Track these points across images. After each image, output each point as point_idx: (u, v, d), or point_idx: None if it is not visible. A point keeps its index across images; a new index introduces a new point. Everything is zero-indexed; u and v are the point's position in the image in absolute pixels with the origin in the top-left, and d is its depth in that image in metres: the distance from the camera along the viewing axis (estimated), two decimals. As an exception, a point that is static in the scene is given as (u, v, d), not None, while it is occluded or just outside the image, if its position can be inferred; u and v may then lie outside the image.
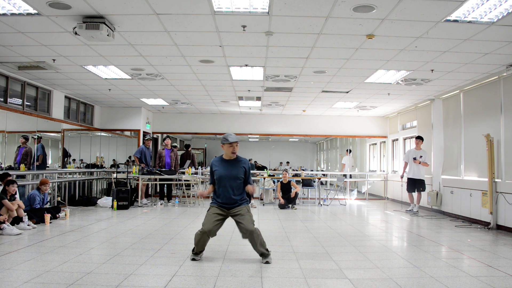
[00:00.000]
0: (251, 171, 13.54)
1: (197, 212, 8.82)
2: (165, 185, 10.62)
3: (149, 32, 5.38)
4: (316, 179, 11.37)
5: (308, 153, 22.61)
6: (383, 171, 13.17)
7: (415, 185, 9.16)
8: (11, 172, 6.87)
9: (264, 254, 4.39)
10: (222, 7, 4.57)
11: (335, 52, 6.14)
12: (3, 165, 8.02)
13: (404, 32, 5.19)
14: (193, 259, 4.44)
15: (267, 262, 4.34)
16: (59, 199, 9.15)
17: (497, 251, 5.28)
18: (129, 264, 4.22)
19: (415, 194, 9.22)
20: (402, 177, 9.52)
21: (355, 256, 4.82)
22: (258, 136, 14.31)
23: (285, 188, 9.98)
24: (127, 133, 12.35)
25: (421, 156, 9.10)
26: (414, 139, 9.72)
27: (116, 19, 4.95)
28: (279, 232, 6.40)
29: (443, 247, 5.57)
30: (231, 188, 4.47)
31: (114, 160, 12.35)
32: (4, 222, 5.78)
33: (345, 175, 12.62)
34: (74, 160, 10.99)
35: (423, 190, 9.11)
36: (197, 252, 4.48)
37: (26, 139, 8.58)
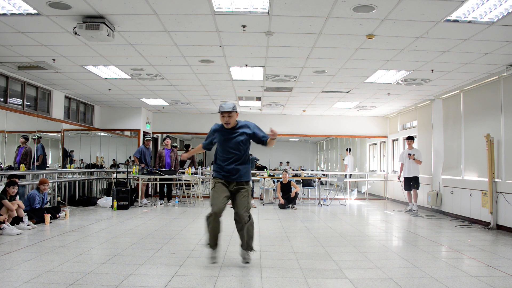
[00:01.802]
0: (251, 171, 13.43)
1: (197, 212, 8.81)
2: (165, 185, 10.63)
3: (149, 32, 5.38)
4: (316, 179, 11.37)
5: (308, 153, 22.60)
6: (383, 171, 13.17)
7: (411, 183, 9.22)
8: (11, 172, 6.87)
9: (251, 248, 4.23)
10: (222, 7, 4.57)
11: (335, 52, 6.14)
12: (3, 165, 8.01)
13: (404, 32, 5.19)
14: (213, 262, 4.18)
15: (246, 262, 4.21)
16: (59, 199, 9.15)
17: (497, 251, 5.29)
18: (129, 264, 4.21)
19: (412, 193, 9.25)
20: (399, 177, 9.59)
21: (355, 256, 4.81)
22: (258, 136, 14.28)
23: (285, 188, 9.98)
24: (127, 133, 12.35)
25: (413, 154, 9.21)
26: (406, 139, 9.82)
27: (116, 19, 4.95)
28: (279, 232, 6.39)
29: (443, 247, 5.56)
30: (232, 157, 4.17)
31: (114, 160, 12.35)
32: (4, 222, 5.78)
33: (345, 175, 12.63)
34: (74, 160, 10.99)
35: (417, 187, 9.16)
36: (212, 245, 4.20)
37: (26, 139, 8.58)
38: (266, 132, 4.31)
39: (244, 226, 4.14)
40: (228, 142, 4.22)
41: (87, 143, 11.71)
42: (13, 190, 6.24)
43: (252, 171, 12.91)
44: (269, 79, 7.98)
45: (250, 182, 4.32)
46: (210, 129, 4.41)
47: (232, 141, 4.21)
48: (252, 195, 10.35)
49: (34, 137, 8.81)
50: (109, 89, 9.28)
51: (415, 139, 9.75)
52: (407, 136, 9.86)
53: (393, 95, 9.33)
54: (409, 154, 9.23)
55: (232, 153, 4.20)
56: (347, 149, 13.69)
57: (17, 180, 6.43)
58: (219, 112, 4.25)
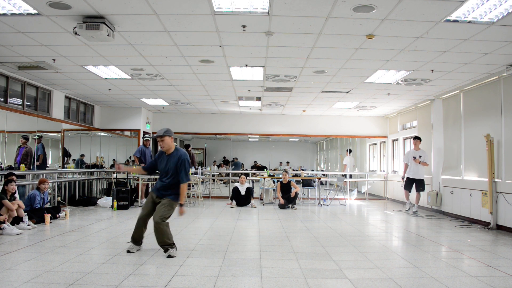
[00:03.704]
0: (249, 171, 13.42)
1: (197, 212, 8.82)
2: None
3: (149, 32, 5.38)
4: (316, 179, 11.37)
5: (308, 153, 22.61)
6: (383, 171, 13.16)
7: (413, 184, 9.16)
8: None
9: (165, 248, 4.61)
10: (222, 7, 4.57)
11: (335, 52, 6.14)
12: (3, 165, 8.02)
13: (404, 32, 5.19)
14: (128, 251, 4.72)
15: (169, 256, 4.54)
16: (59, 199, 9.15)
17: (497, 251, 5.29)
18: (129, 264, 4.22)
19: (412, 194, 9.21)
20: (403, 178, 9.50)
21: (355, 256, 4.82)
22: (258, 136, 14.31)
23: (285, 188, 9.98)
24: (127, 133, 12.36)
25: (420, 156, 9.10)
26: (412, 139, 9.73)
27: (116, 19, 4.95)
28: (279, 232, 6.40)
29: (443, 247, 5.57)
30: (163, 181, 4.72)
31: (114, 160, 12.35)
32: (4, 222, 5.78)
33: (345, 175, 12.62)
34: (74, 160, 10.99)
35: (423, 190, 9.10)
36: (133, 241, 4.80)
37: (27, 139, 8.58)
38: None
39: (157, 225, 4.56)
40: (163, 167, 4.76)
41: (87, 143, 11.72)
42: (12, 187, 6.25)
43: (252, 171, 12.93)
44: (269, 79, 7.98)
45: (172, 201, 4.69)
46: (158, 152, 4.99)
47: (166, 166, 4.73)
48: (252, 195, 10.35)
49: (35, 137, 8.81)
50: (109, 89, 9.28)
51: (421, 139, 9.57)
52: (414, 136, 9.75)
53: (393, 95, 9.33)
54: (414, 158, 9.13)
55: (162, 177, 4.75)
56: (347, 150, 13.70)
57: (14, 177, 6.43)
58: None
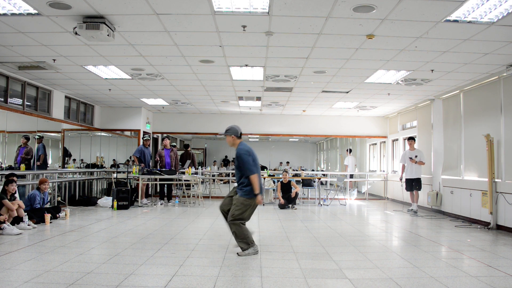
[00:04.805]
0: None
1: (197, 212, 8.81)
2: (165, 185, 10.63)
3: (149, 32, 5.38)
4: (316, 179, 11.37)
5: (308, 153, 22.61)
6: (383, 171, 13.16)
7: (412, 184, 9.19)
8: (11, 172, 6.87)
9: (240, 246, 4.73)
10: (222, 7, 4.58)
11: (335, 52, 6.14)
12: (3, 165, 8.02)
13: (404, 32, 5.19)
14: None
15: (238, 254, 4.70)
16: (59, 199, 9.15)
17: (497, 251, 5.29)
18: (129, 264, 4.22)
19: (414, 193, 9.24)
20: (401, 179, 9.54)
21: (355, 256, 4.82)
22: (258, 136, 14.30)
23: (285, 188, 9.98)
24: (127, 133, 12.36)
25: (416, 156, 9.16)
26: (407, 140, 9.80)
27: (116, 19, 4.95)
28: (279, 232, 6.40)
29: (443, 247, 5.57)
30: (235, 176, 4.96)
31: (114, 160, 12.35)
32: (4, 222, 5.78)
33: (345, 175, 12.62)
34: (74, 160, 11.00)
35: (419, 189, 9.14)
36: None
37: (27, 139, 8.58)
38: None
39: (229, 224, 4.79)
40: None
41: (87, 143, 11.72)
42: (12, 187, 6.25)
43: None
44: (269, 79, 7.98)
45: (241, 197, 4.77)
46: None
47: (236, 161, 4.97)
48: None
49: (36, 137, 8.82)
50: (109, 89, 9.28)
51: (415, 139, 9.72)
52: (408, 137, 9.82)
53: (393, 95, 9.33)
54: (410, 158, 9.18)
55: (236, 169, 4.96)
56: (347, 150, 13.68)
57: (15, 178, 6.44)
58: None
